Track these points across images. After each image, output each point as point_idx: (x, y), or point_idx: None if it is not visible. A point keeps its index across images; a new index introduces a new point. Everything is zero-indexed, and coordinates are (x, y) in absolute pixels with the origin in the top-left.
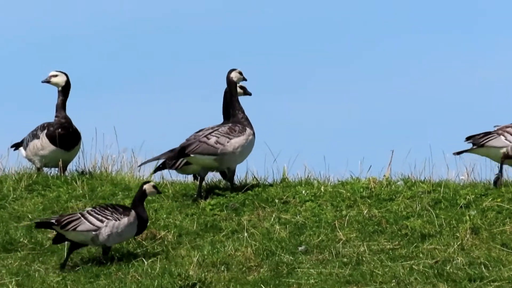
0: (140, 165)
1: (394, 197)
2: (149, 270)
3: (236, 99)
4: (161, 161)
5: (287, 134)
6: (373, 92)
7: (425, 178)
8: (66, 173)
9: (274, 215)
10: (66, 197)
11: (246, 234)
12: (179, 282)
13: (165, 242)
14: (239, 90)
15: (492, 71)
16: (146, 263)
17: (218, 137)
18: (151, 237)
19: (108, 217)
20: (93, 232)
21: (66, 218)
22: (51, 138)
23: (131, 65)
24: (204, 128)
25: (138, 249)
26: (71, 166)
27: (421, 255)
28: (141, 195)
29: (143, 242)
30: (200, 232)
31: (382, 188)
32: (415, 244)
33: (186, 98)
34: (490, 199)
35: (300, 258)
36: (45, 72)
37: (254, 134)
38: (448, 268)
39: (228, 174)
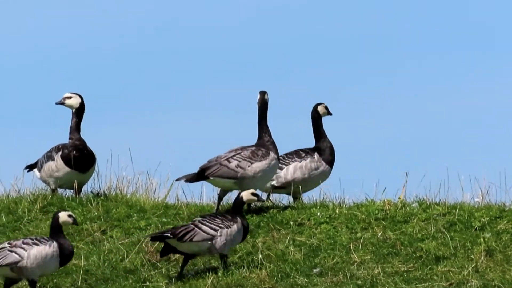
0: (177, 180)
1: (409, 219)
2: None
3: (265, 122)
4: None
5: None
6: (389, 112)
7: (440, 200)
8: (81, 195)
9: (289, 237)
10: (81, 219)
11: (260, 256)
12: None
13: (180, 264)
14: (323, 110)
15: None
16: (161, 284)
17: (240, 161)
18: (166, 258)
19: (220, 225)
20: (209, 242)
21: (181, 229)
22: (66, 160)
23: (146, 85)
24: (231, 149)
25: (153, 271)
26: (86, 188)
27: (435, 278)
28: (241, 203)
29: (158, 263)
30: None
31: (397, 210)
32: (430, 266)
33: (203, 119)
34: (505, 222)
35: (315, 280)
36: (58, 91)
37: (278, 158)
38: None
39: None
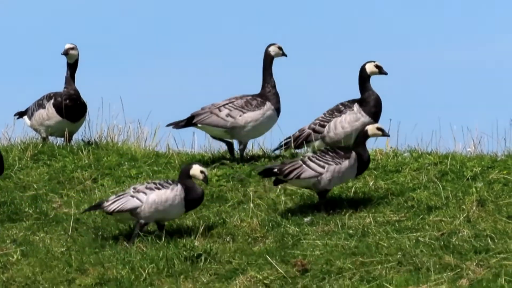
0: (167, 125)
1: (400, 168)
2: (154, 241)
3: (269, 73)
4: None
5: (295, 105)
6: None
7: (431, 150)
8: (72, 143)
9: (280, 186)
10: (72, 167)
11: (252, 205)
12: (184, 252)
13: None
14: (374, 69)
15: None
16: (151, 233)
17: (231, 110)
18: None
19: (330, 161)
20: (315, 179)
21: (289, 166)
22: (58, 108)
23: (138, 33)
24: (230, 97)
25: None
26: (77, 136)
27: (427, 227)
28: (364, 136)
29: None
30: (206, 203)
31: (389, 160)
32: (421, 216)
33: (195, 67)
34: (496, 171)
35: (305, 230)
36: (51, 41)
37: (276, 109)
38: (454, 240)
39: (239, 146)
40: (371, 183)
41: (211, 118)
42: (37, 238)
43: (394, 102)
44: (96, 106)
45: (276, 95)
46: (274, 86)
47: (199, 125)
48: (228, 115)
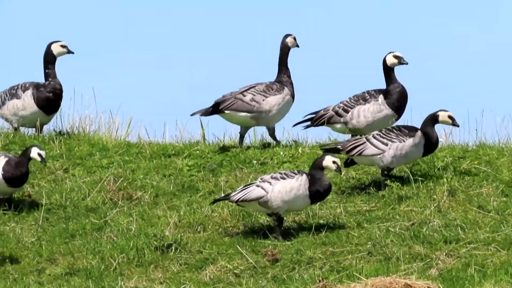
0: (191, 114)
1: None
2: (125, 231)
3: (285, 63)
4: None
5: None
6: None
7: None
8: (44, 133)
9: (251, 176)
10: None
11: (223, 195)
12: (155, 242)
13: (142, 203)
14: (394, 60)
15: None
16: (122, 223)
17: (254, 95)
18: (128, 197)
19: (393, 139)
20: (378, 156)
21: (352, 143)
22: (39, 99)
23: (110, 24)
24: (246, 85)
25: (114, 209)
26: (49, 126)
27: (397, 217)
28: (433, 119)
29: (120, 202)
30: (177, 193)
31: None
32: (392, 206)
33: (167, 60)
34: (467, 162)
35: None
36: (23, 29)
37: (292, 95)
38: (424, 230)
39: (268, 132)
40: (342, 173)
41: (237, 103)
42: (8, 228)
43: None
44: (68, 96)
45: (292, 84)
46: (289, 76)
47: (226, 111)
48: (252, 99)
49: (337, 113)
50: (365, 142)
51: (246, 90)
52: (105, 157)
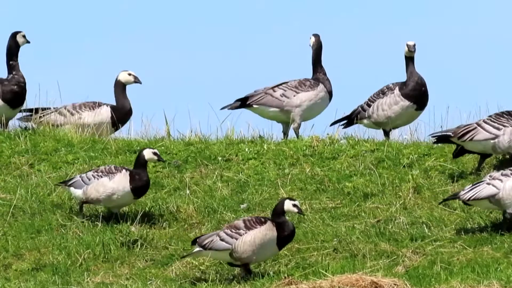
0: (221, 108)
1: (337, 155)
2: (91, 227)
3: (319, 62)
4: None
5: (232, 91)
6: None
7: (368, 137)
8: (9, 129)
9: (216, 173)
10: (9, 153)
11: (188, 191)
12: (121, 238)
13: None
14: (406, 49)
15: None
16: (87, 219)
17: (285, 90)
18: None
19: (505, 123)
20: (491, 141)
21: (463, 129)
22: (4, 93)
23: (74, 17)
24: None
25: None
26: (14, 121)
27: (363, 214)
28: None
29: None
30: None
31: (325, 147)
32: (358, 203)
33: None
34: (433, 159)
35: (242, 216)
36: None
37: (328, 92)
38: (390, 227)
39: (293, 125)
40: (308, 170)
41: (265, 98)
42: None
43: (338, 88)
44: (33, 92)
45: (328, 80)
46: (325, 73)
47: (254, 106)
48: (282, 95)
49: (362, 108)
50: (476, 128)
51: (278, 86)
52: (71, 152)
